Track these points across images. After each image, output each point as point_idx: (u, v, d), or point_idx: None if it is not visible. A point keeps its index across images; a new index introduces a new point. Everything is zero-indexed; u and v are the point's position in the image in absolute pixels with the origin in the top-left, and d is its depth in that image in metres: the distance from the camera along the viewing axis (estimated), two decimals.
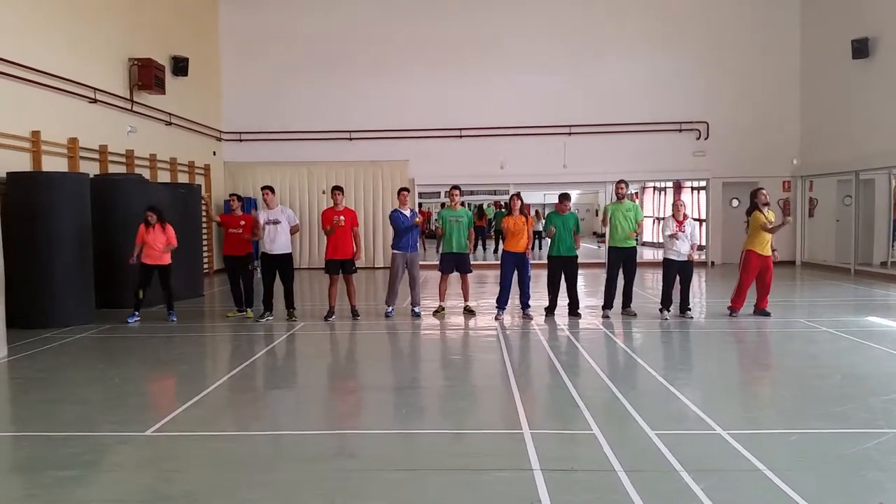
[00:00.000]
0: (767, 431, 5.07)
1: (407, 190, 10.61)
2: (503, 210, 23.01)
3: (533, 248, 10.33)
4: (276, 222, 9.98)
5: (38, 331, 9.16)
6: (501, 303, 10.14)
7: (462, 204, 10.82)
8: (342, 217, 9.97)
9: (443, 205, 11.37)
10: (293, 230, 10.23)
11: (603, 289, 10.43)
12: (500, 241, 24.01)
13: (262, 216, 10.06)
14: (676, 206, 9.98)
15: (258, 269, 10.40)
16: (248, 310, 10.50)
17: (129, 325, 9.73)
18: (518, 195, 10.12)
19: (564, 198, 10.17)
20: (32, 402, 6.07)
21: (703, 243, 19.83)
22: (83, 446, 4.84)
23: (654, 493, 3.91)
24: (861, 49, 15.07)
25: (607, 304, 10.26)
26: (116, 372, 7.13)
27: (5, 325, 7.87)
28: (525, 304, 10.12)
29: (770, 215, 9.77)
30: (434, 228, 10.94)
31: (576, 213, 10.44)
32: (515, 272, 10.08)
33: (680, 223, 9.80)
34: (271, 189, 10.29)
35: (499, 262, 10.73)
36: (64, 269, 9.69)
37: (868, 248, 15.86)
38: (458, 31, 18.36)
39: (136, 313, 9.99)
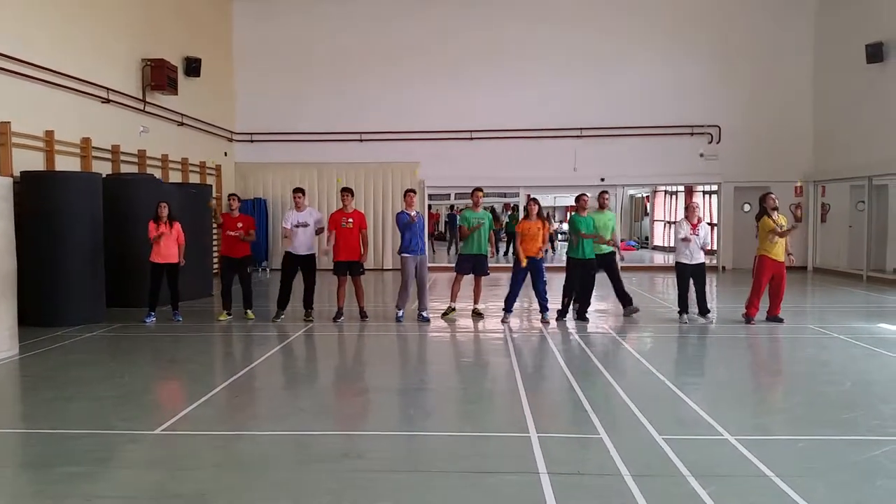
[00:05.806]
0: (776, 437, 5.05)
1: (413, 191, 10.45)
2: (514, 213, 23.02)
3: (555, 252, 10.33)
4: (304, 225, 10.07)
5: (49, 329, 9.23)
6: (509, 304, 10.09)
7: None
8: (350, 219, 10.01)
9: (452, 207, 11.38)
10: (318, 231, 10.31)
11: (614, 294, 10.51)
12: (512, 244, 24.09)
13: (292, 218, 10.11)
14: (691, 208, 10.01)
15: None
16: (249, 311, 10.48)
17: (142, 325, 9.77)
18: (535, 200, 10.11)
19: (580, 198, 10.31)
20: (43, 400, 6.12)
21: (714, 248, 19.72)
22: (93, 443, 4.88)
23: (660, 498, 3.90)
24: (876, 53, 14.97)
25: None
26: (126, 370, 7.18)
27: (17, 322, 7.94)
28: (544, 309, 9.98)
29: (781, 219, 9.70)
30: (458, 227, 10.90)
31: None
32: (529, 277, 10.05)
33: (694, 226, 9.81)
34: (302, 191, 10.34)
35: (511, 264, 10.72)
36: (75, 268, 9.75)
37: (881, 255, 15.73)
38: (469, 35, 18.36)
39: (153, 313, 10.05)
